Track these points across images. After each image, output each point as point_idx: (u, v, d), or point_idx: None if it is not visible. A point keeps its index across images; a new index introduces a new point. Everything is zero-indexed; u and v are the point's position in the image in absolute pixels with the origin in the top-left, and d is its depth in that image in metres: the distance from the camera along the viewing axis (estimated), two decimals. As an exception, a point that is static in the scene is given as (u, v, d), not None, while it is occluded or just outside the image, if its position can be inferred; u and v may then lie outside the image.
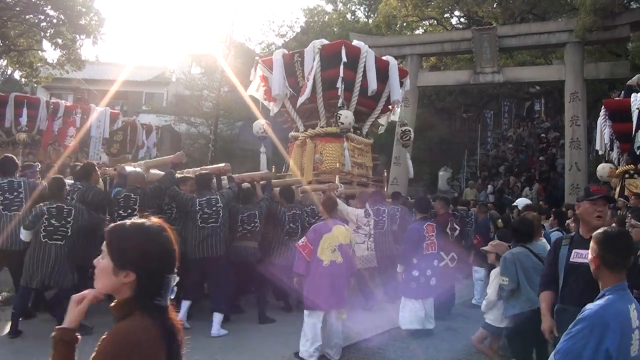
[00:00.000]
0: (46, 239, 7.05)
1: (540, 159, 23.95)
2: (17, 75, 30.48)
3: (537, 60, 24.86)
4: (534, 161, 24.34)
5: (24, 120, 17.85)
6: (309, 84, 10.47)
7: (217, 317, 7.43)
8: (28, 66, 23.07)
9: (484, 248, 6.81)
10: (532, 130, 28.97)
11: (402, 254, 8.23)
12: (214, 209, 7.73)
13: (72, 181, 8.50)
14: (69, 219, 7.15)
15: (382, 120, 12.55)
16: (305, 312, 6.58)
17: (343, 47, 10.44)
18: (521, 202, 10.56)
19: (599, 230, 3.26)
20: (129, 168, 8.20)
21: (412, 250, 7.97)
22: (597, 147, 13.43)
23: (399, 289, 8.31)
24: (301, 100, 10.59)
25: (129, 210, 7.15)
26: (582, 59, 18.07)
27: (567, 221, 9.63)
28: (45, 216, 7.12)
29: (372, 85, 10.80)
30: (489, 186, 22.12)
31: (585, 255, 4.13)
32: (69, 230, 7.13)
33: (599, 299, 3.06)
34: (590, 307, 3.00)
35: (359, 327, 7.63)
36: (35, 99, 19.62)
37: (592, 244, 3.20)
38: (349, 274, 6.84)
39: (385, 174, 12.77)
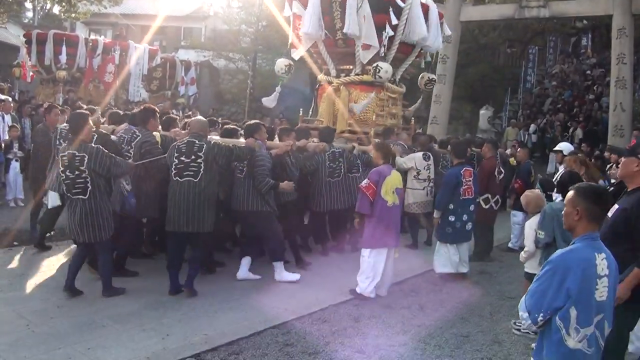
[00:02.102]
0: (68, 194, 6.23)
1: (591, 97, 23.24)
2: (56, 10, 30.51)
3: (585, -7, 23.83)
4: (581, 99, 23.65)
5: (63, 58, 18.13)
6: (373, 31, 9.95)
7: None
8: (66, 2, 23.06)
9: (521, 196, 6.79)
10: (577, 66, 28.09)
11: (439, 199, 8.10)
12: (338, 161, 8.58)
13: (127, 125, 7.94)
14: (82, 168, 6.07)
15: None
16: (366, 251, 6.83)
17: None
18: (564, 146, 10.23)
19: (584, 185, 3.51)
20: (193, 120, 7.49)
21: (449, 196, 7.87)
22: (643, 87, 12.99)
23: (435, 234, 8.34)
24: (366, 54, 10.21)
25: (192, 157, 6.41)
26: (631, -8, 17.21)
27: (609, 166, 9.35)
28: (60, 168, 6.25)
29: (422, 32, 10.39)
30: (532, 126, 21.58)
31: (611, 211, 4.23)
32: (88, 183, 6.11)
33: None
34: (557, 252, 3.31)
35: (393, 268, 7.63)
36: (74, 37, 19.78)
37: (575, 196, 3.37)
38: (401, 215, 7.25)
39: (413, 121, 12.29)
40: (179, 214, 6.40)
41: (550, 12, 18.83)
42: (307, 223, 9.24)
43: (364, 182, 6.86)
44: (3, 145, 10.84)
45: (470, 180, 7.99)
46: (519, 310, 3.31)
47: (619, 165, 4.45)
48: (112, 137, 7.59)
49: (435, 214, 8.07)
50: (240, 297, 6.72)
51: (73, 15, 24.52)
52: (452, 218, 7.87)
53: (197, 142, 6.50)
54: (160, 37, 33.85)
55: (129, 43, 20.21)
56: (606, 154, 12.80)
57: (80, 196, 6.08)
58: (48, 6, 36.16)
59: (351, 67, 10.72)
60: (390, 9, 9.93)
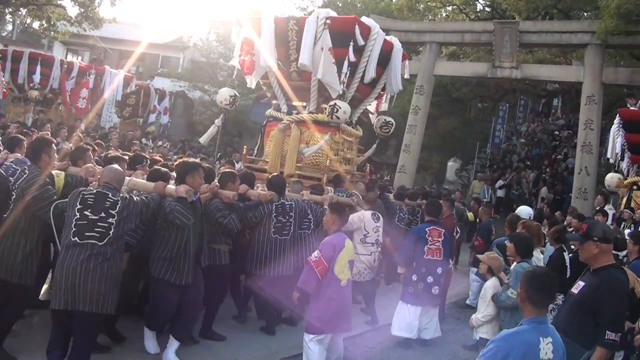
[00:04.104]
0: None
1: (559, 157, 23.77)
2: (35, 25, 30.46)
3: (557, 58, 24.47)
4: (549, 158, 24.16)
5: (37, 77, 17.93)
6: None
7: None
8: (46, 20, 23.02)
9: (479, 256, 6.78)
10: (546, 126, 28.74)
11: (399, 254, 7.83)
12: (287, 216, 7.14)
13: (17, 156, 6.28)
14: None
15: (371, 108, 11.16)
16: (311, 336, 5.72)
17: (357, 26, 8.93)
18: (523, 211, 10.23)
19: (532, 270, 3.65)
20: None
21: (409, 251, 7.54)
22: (609, 155, 13.31)
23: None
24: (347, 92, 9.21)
25: (102, 214, 4.89)
26: (601, 62, 17.77)
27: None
28: None
29: (371, 72, 9.49)
30: (499, 181, 21.89)
31: (577, 287, 4.29)
32: None
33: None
34: (503, 331, 3.51)
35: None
36: (49, 57, 19.60)
37: (522, 279, 3.56)
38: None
39: (368, 168, 11.23)
40: (74, 286, 4.77)
41: (522, 74, 19.32)
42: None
43: (314, 255, 5.68)
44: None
45: (438, 241, 7.57)
46: None
47: (580, 250, 4.62)
48: None
49: (399, 269, 7.75)
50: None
51: (52, 34, 24.45)
52: (414, 277, 7.46)
53: (110, 195, 5.01)
54: (137, 62, 33.82)
55: (105, 68, 20.11)
56: (568, 217, 13.04)
57: None
58: (28, 21, 36.02)
59: (305, 103, 9.68)
60: (351, 44, 8.90)
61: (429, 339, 7.68)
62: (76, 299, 4.76)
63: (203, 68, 29.48)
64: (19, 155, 6.26)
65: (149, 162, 7.76)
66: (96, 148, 8.64)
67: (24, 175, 5.33)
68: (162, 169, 6.62)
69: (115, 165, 5.57)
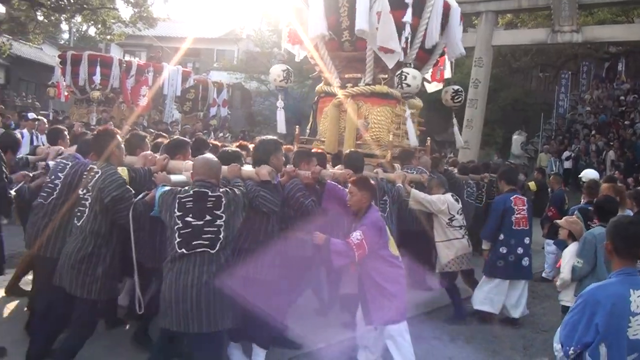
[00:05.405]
0: None
1: (626, 123, 22.91)
2: (92, 32, 31.24)
3: (618, 17, 23.59)
4: (616, 124, 23.29)
5: (97, 78, 18.41)
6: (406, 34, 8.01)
7: None
8: (101, 24, 23.55)
9: (558, 222, 6.56)
10: (610, 92, 27.71)
11: (485, 228, 7.41)
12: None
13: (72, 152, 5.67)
14: None
15: (427, 76, 10.03)
16: (404, 325, 5.09)
17: None
18: (589, 174, 9.87)
19: (616, 221, 3.43)
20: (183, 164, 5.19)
21: (496, 223, 7.22)
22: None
23: (484, 268, 7.41)
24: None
25: (207, 217, 4.19)
26: (665, 17, 17.05)
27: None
28: None
29: (434, 36, 8.61)
30: (565, 152, 21.23)
31: None
32: None
33: None
34: (591, 285, 3.31)
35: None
36: (108, 58, 20.13)
37: (607, 230, 3.39)
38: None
39: (429, 142, 9.96)
40: (186, 305, 4.08)
41: (583, 37, 18.70)
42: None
43: (357, 237, 4.79)
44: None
45: (523, 209, 7.26)
46: (554, 341, 3.30)
47: None
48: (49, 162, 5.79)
49: (484, 245, 7.37)
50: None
51: (108, 37, 25.04)
52: (503, 250, 7.15)
53: (209, 193, 4.27)
54: (193, 59, 34.31)
55: (163, 65, 20.48)
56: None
57: None
58: (84, 28, 36.96)
59: (359, 75, 8.82)
60: (411, 4, 8.03)
61: (519, 318, 7.35)
62: (189, 320, 4.07)
63: (258, 58, 29.64)
64: (62, 147, 6.12)
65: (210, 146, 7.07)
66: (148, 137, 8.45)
67: (97, 175, 4.58)
68: (231, 149, 5.86)
69: (209, 155, 4.74)
